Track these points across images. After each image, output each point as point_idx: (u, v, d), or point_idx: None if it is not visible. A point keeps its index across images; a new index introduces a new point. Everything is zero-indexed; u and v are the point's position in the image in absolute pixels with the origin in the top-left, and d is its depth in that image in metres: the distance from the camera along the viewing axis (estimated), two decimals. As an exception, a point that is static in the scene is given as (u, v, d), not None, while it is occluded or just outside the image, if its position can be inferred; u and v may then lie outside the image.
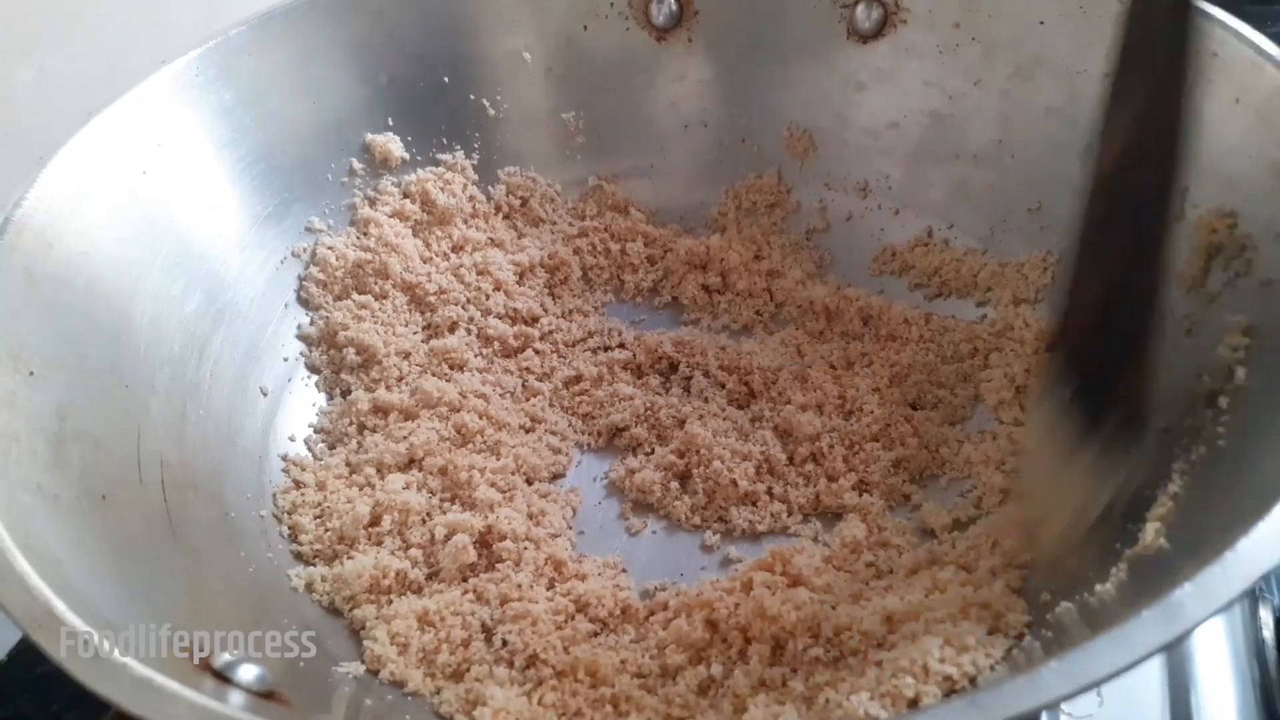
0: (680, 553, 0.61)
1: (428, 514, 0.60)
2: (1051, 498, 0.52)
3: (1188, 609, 0.32)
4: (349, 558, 0.57)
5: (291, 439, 0.65)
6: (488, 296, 0.74)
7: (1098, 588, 0.43)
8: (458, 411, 0.65)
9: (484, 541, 0.58)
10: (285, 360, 0.68)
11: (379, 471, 0.62)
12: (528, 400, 0.69)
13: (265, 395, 0.66)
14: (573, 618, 0.54)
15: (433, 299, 0.73)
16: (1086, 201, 0.48)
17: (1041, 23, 0.66)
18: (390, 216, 0.74)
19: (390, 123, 0.75)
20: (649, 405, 0.68)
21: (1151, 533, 0.45)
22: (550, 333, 0.74)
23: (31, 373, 0.48)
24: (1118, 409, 0.48)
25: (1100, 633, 0.32)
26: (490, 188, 0.79)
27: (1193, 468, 0.47)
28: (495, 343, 0.72)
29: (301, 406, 0.68)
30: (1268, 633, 0.57)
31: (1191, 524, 0.44)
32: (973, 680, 0.42)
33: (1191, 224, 0.55)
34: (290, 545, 0.59)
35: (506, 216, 0.80)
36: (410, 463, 0.63)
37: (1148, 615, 0.32)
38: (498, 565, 0.57)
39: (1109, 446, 0.47)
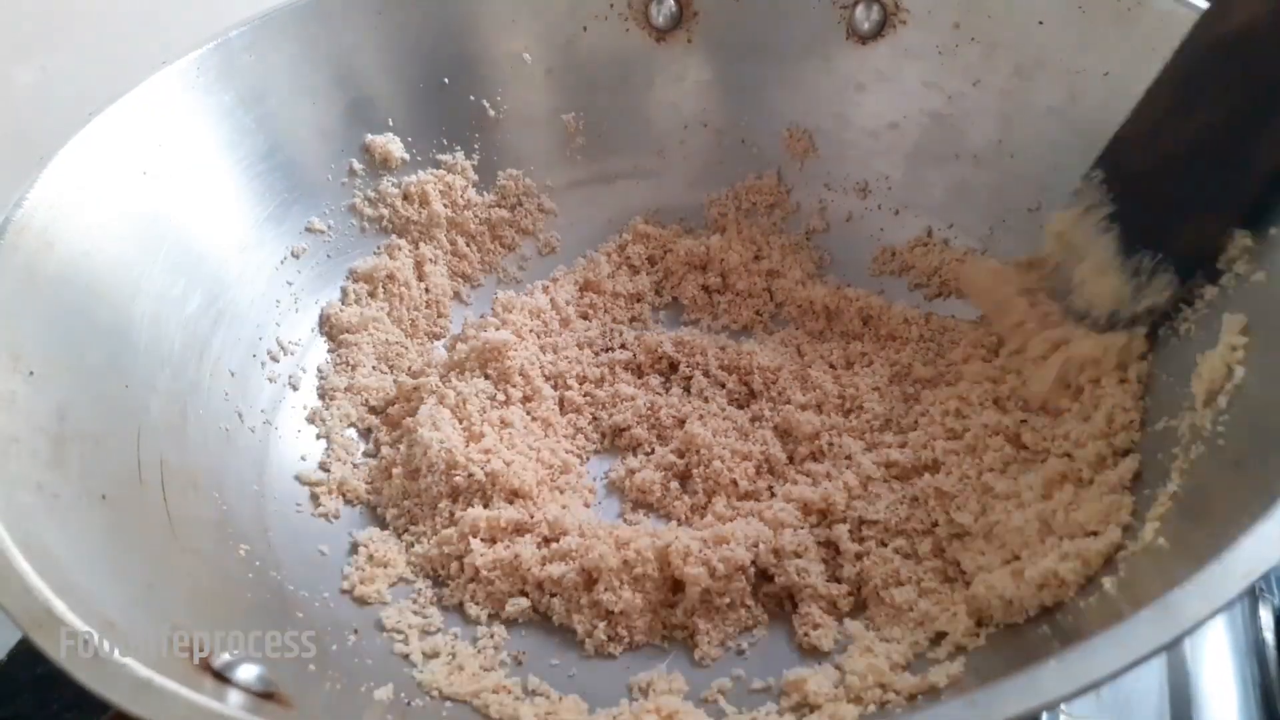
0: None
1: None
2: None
3: (1187, 609, 0.32)
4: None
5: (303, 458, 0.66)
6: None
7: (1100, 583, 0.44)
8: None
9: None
10: (285, 360, 0.68)
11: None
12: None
13: (265, 396, 0.66)
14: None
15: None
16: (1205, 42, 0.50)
17: (1041, 23, 0.66)
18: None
19: (390, 123, 0.75)
20: (650, 405, 0.68)
21: (1150, 532, 0.45)
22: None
23: (31, 373, 0.48)
24: (1158, 249, 0.52)
25: (1099, 633, 0.32)
26: (486, 192, 0.80)
27: (1192, 467, 0.47)
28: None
29: (302, 407, 0.68)
30: (1268, 633, 0.57)
31: (1191, 523, 0.44)
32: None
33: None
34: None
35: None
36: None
37: (1147, 615, 0.32)
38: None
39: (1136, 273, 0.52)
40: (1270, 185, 0.49)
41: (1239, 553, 0.34)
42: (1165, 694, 0.53)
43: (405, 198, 0.75)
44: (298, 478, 0.63)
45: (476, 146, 0.79)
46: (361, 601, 0.57)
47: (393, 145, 0.75)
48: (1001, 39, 0.69)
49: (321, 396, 0.69)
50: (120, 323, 0.55)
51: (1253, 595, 0.58)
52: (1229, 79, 0.51)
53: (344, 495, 0.63)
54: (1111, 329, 0.57)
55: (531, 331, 0.72)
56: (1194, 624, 0.32)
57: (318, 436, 0.66)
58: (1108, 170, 0.58)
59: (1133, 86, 0.61)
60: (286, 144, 0.69)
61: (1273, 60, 0.49)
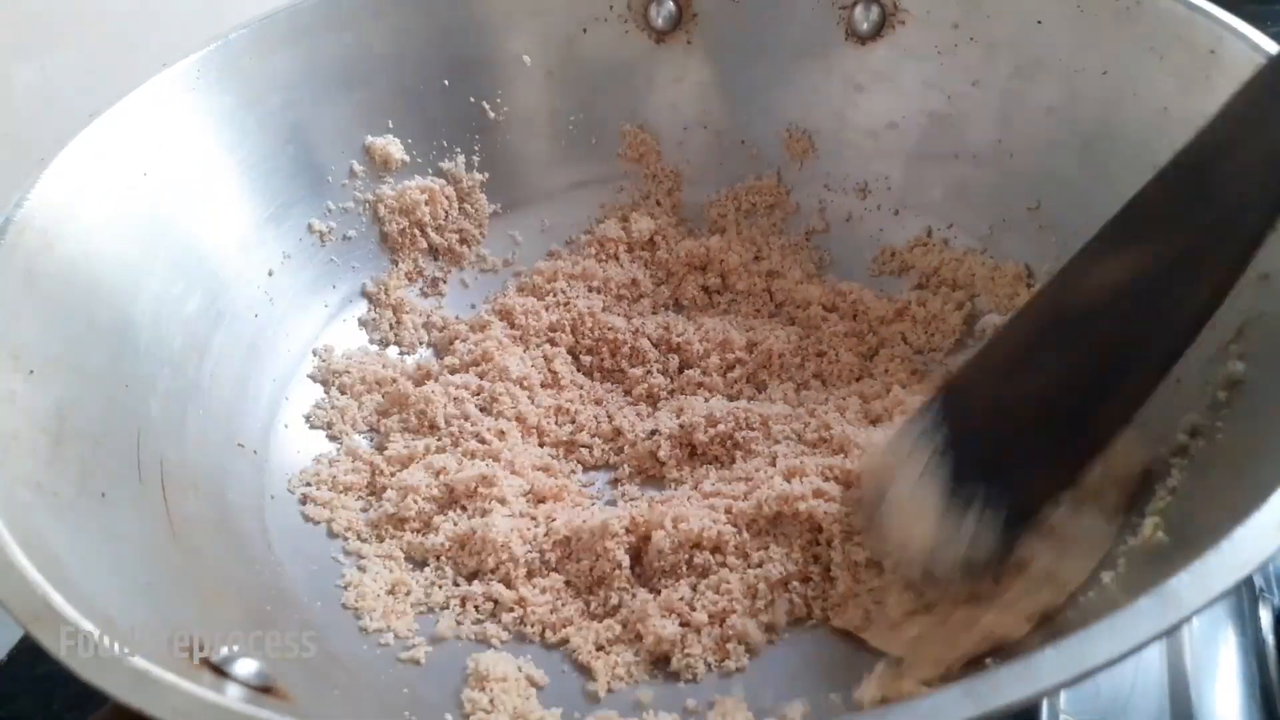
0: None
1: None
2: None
3: (1184, 598, 0.32)
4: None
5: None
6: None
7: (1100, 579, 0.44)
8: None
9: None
10: (286, 360, 0.68)
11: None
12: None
13: (265, 396, 0.66)
14: None
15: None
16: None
17: (1040, 22, 0.66)
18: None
19: (390, 125, 0.75)
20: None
21: (1150, 527, 0.45)
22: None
23: (31, 372, 0.48)
24: (992, 498, 0.47)
25: (1097, 621, 0.32)
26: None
27: (1191, 462, 0.47)
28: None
29: (302, 407, 0.68)
30: (1268, 633, 0.56)
31: (1190, 517, 0.44)
32: None
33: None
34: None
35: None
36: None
37: (1144, 604, 0.32)
38: None
39: (959, 512, 0.48)
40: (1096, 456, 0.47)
41: (1235, 542, 0.34)
42: (1165, 694, 0.53)
43: (400, 210, 0.76)
44: (298, 477, 0.63)
45: (476, 148, 0.79)
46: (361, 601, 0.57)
47: (393, 147, 0.75)
48: (1001, 39, 0.69)
49: (326, 389, 0.69)
50: (120, 323, 0.55)
51: (1253, 595, 0.58)
52: (1071, 348, 0.47)
53: (345, 495, 0.63)
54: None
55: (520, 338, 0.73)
56: (1191, 612, 0.31)
57: (318, 436, 0.66)
58: (945, 405, 0.53)
59: (1132, 86, 0.61)
60: (287, 145, 0.70)
61: (1111, 339, 0.46)
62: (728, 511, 0.58)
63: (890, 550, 0.52)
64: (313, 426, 0.67)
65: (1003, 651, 0.45)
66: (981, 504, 0.47)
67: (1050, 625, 0.45)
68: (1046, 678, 0.30)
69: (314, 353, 0.70)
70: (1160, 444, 0.50)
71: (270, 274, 0.68)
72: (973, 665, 0.45)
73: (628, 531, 0.57)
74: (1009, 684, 0.30)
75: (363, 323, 0.74)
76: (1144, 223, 0.45)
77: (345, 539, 0.61)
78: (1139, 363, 0.45)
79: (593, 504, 0.64)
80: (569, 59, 0.79)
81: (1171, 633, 0.31)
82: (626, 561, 0.57)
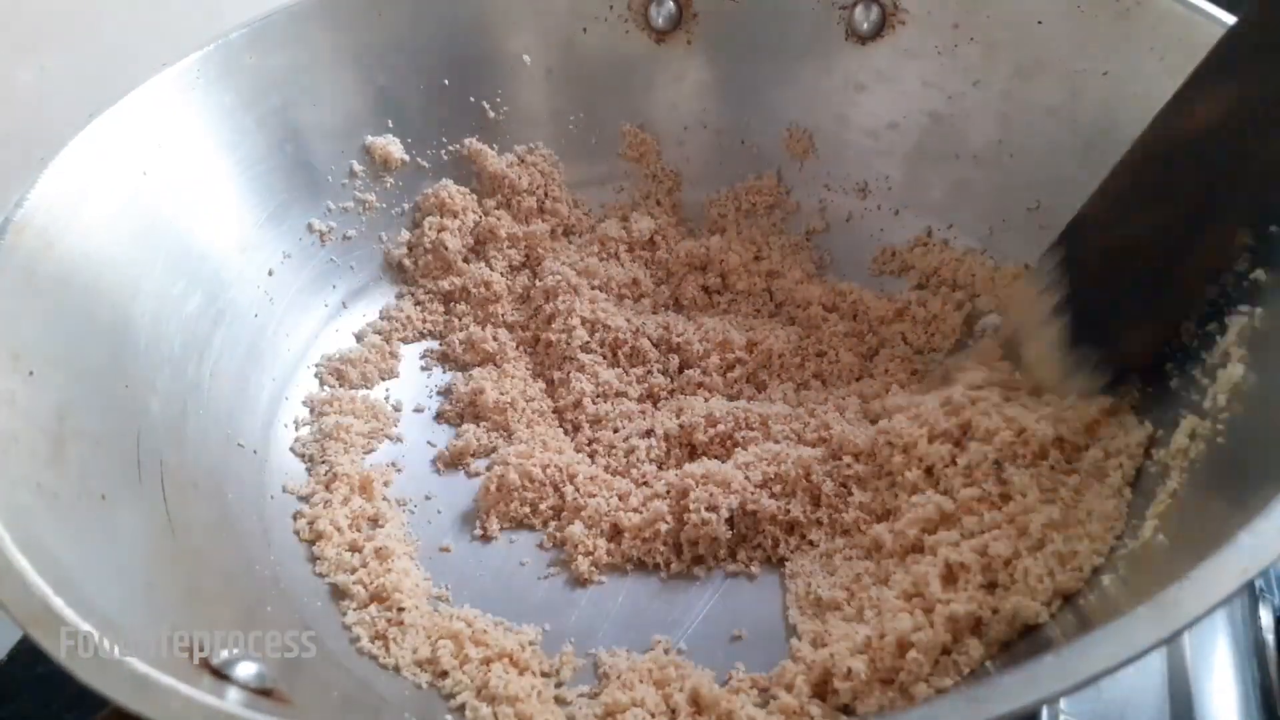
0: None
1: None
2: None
3: (1184, 605, 0.32)
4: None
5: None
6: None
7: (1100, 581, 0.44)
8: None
9: None
10: (286, 360, 0.68)
11: None
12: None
13: (265, 396, 0.66)
14: None
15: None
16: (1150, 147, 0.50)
17: (1041, 23, 0.66)
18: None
19: (390, 125, 0.75)
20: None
21: (1150, 529, 0.45)
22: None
23: (31, 372, 0.48)
24: (1108, 359, 0.51)
25: (1097, 628, 0.32)
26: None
27: (1192, 465, 0.47)
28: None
29: (303, 406, 0.68)
30: (1268, 633, 0.56)
31: (1190, 521, 0.44)
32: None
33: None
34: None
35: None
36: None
37: (1144, 611, 0.32)
38: None
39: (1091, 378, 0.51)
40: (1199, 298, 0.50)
41: (1236, 549, 0.34)
42: (1165, 694, 0.53)
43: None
44: (298, 477, 0.63)
45: (476, 148, 0.79)
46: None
47: (392, 146, 0.75)
48: (1001, 39, 0.69)
49: (323, 385, 0.69)
50: (120, 323, 0.55)
51: (1253, 596, 0.58)
52: (1183, 177, 0.50)
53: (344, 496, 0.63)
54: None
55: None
56: (1192, 619, 0.31)
57: (319, 436, 0.66)
58: (1067, 250, 0.57)
59: (1132, 86, 0.61)
60: (287, 145, 0.70)
61: (1223, 164, 0.48)
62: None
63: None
64: (315, 428, 0.67)
65: (1029, 637, 0.46)
66: (1091, 365, 0.52)
67: (1074, 609, 0.46)
68: (1047, 685, 0.30)
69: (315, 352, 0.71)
70: (1159, 423, 0.51)
71: (270, 274, 0.68)
72: (1003, 650, 0.46)
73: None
74: (1012, 691, 0.30)
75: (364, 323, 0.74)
76: (1235, 62, 0.48)
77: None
78: (1224, 209, 0.48)
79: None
80: (569, 58, 0.79)
81: (1172, 640, 0.31)
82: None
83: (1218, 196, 0.49)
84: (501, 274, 0.76)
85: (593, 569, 0.59)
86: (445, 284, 0.76)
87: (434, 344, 0.75)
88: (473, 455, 0.67)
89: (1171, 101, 0.50)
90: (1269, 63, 0.46)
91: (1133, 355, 0.53)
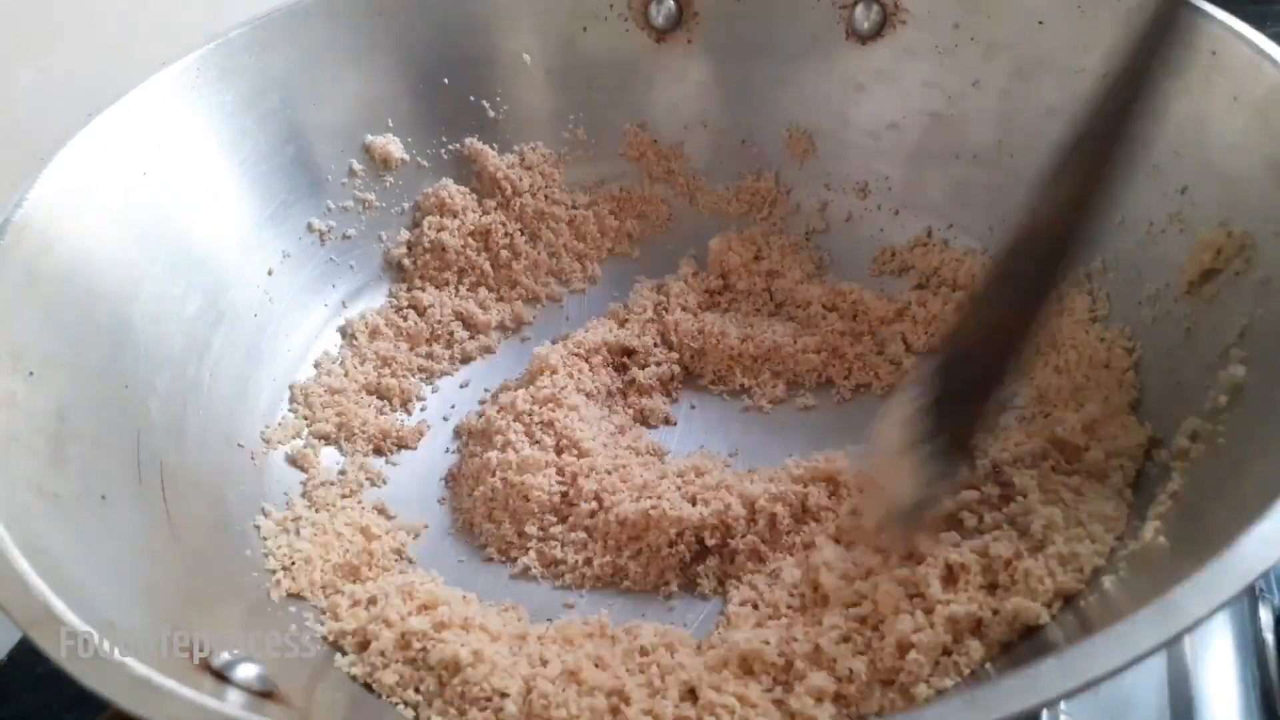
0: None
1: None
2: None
3: (1186, 608, 0.32)
4: None
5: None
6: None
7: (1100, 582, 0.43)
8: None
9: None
10: (286, 360, 0.68)
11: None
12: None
13: (265, 396, 0.66)
14: None
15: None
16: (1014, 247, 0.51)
17: (1041, 23, 0.66)
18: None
19: (390, 124, 0.75)
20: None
21: (1151, 531, 0.45)
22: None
23: (31, 373, 0.48)
24: (943, 437, 0.50)
25: (1099, 631, 0.32)
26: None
27: (1193, 466, 0.47)
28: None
29: (303, 406, 0.67)
30: (1268, 633, 0.56)
31: (1191, 522, 0.44)
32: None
33: (1192, 225, 0.55)
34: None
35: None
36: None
37: (1146, 614, 0.32)
38: None
39: (926, 460, 0.50)
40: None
41: (1239, 551, 0.34)
42: (1165, 694, 0.53)
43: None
44: (298, 476, 0.63)
45: (476, 147, 0.79)
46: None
47: (392, 146, 0.75)
48: (1001, 39, 0.69)
49: (323, 384, 0.69)
50: (120, 323, 0.55)
51: (1253, 595, 0.58)
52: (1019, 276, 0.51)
53: (344, 495, 0.63)
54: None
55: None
56: (1193, 622, 0.31)
57: (318, 437, 0.66)
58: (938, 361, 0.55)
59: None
60: (286, 144, 0.69)
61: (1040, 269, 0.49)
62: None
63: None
64: (314, 427, 0.67)
65: (1029, 638, 0.46)
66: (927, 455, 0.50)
67: (1074, 611, 0.45)
68: (1049, 688, 0.30)
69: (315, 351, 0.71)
70: (1159, 424, 0.51)
71: (270, 273, 0.68)
72: (1004, 651, 0.46)
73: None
74: (1012, 694, 0.30)
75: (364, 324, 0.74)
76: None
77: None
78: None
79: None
80: (569, 58, 0.79)
81: (1174, 643, 0.31)
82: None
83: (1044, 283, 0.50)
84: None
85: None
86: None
87: (435, 345, 0.75)
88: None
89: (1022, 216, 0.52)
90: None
91: (954, 442, 0.51)
